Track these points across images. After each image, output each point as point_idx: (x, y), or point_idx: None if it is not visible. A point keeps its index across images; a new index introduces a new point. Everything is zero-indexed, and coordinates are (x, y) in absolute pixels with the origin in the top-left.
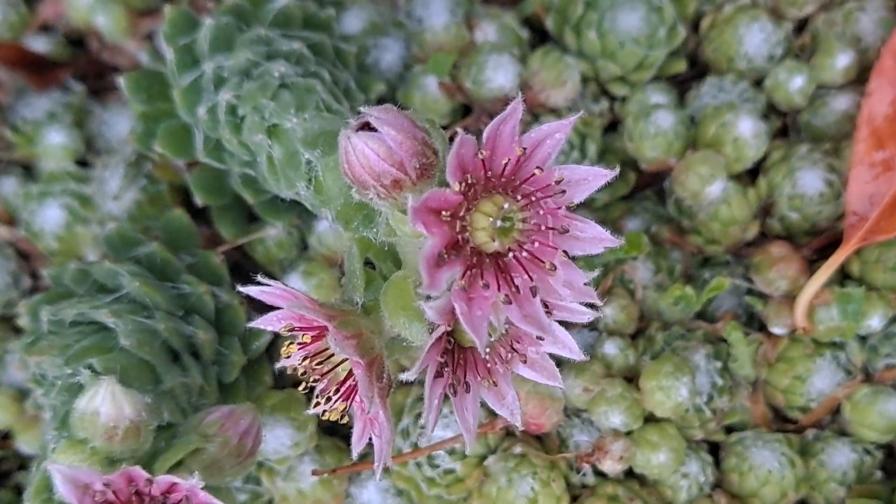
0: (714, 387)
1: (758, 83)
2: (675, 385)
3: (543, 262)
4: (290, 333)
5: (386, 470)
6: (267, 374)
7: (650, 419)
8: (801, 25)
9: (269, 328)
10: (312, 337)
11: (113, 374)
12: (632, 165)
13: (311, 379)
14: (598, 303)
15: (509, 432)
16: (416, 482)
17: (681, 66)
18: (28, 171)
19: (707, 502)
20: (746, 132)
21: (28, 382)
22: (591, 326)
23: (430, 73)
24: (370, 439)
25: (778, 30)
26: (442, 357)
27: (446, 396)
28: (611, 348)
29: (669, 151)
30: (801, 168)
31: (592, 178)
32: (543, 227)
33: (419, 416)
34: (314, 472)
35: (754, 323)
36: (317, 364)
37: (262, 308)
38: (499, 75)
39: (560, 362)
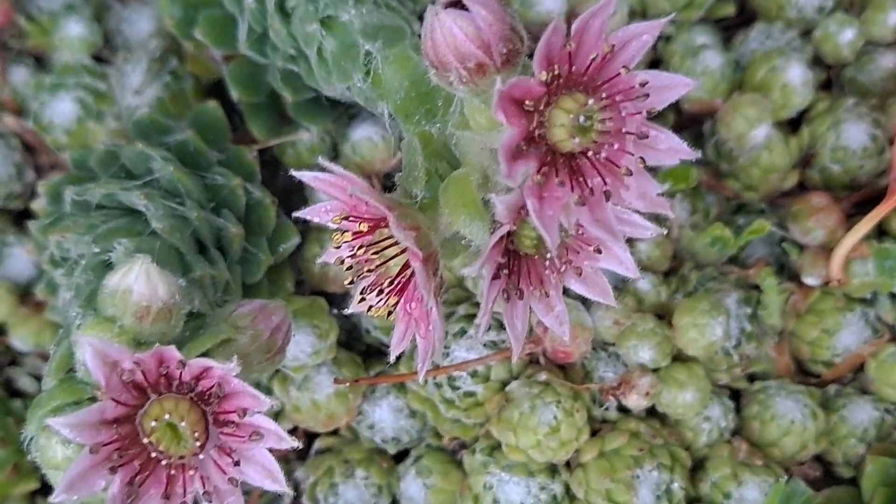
0: (743, 332)
1: (805, 34)
2: (710, 323)
3: (618, 167)
4: (336, 227)
5: (402, 389)
6: (289, 281)
7: (677, 359)
8: None
9: (316, 219)
10: (368, 227)
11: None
12: (670, 106)
13: (359, 273)
14: (670, 215)
15: (533, 360)
16: (433, 403)
17: (729, 10)
18: (40, 62)
19: (727, 448)
20: (795, 79)
21: (44, 264)
22: None
23: None
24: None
25: None
26: (503, 257)
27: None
28: (644, 283)
29: (715, 92)
30: (846, 120)
31: (675, 85)
32: (622, 131)
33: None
34: (336, 381)
35: (785, 274)
36: (370, 256)
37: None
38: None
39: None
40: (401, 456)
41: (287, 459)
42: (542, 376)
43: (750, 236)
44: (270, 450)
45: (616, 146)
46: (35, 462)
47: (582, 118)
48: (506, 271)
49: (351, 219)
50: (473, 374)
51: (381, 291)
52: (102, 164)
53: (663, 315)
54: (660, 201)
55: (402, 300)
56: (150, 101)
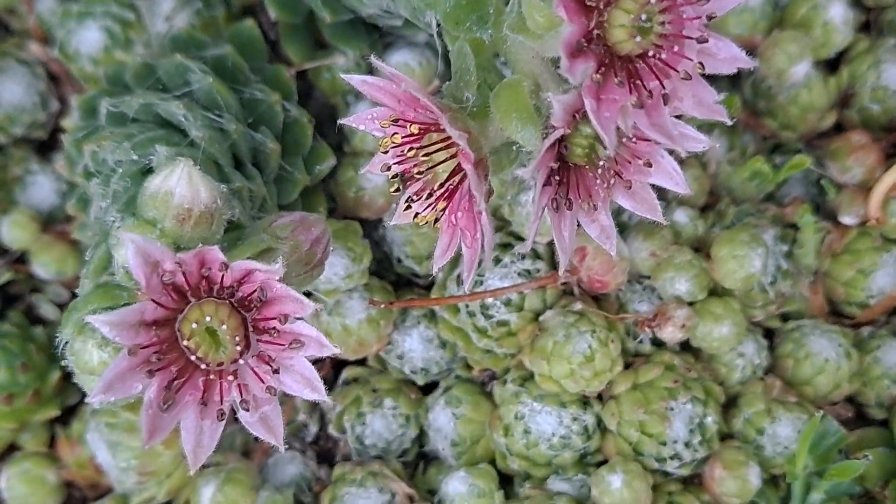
0: (779, 270)
1: None
2: (749, 255)
3: (676, 72)
4: (382, 135)
5: (433, 318)
6: (322, 205)
7: (713, 293)
8: None
9: (361, 127)
10: (419, 129)
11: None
12: None
13: (405, 182)
14: (728, 121)
15: (567, 291)
16: (464, 332)
17: None
18: None
19: (760, 385)
20: (837, 17)
21: (76, 177)
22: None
23: None
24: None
25: None
26: (554, 163)
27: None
28: (681, 216)
29: (755, 29)
30: (886, 61)
31: None
32: (681, 35)
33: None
34: (371, 302)
35: (820, 214)
36: (421, 158)
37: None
38: None
39: (625, 227)
40: (428, 389)
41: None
42: (577, 306)
43: (790, 171)
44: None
45: (675, 50)
46: (58, 388)
47: (643, 17)
48: (557, 178)
49: (400, 122)
50: (507, 303)
51: (430, 195)
52: (138, 77)
53: (700, 249)
54: (718, 108)
55: (447, 210)
56: (181, 29)
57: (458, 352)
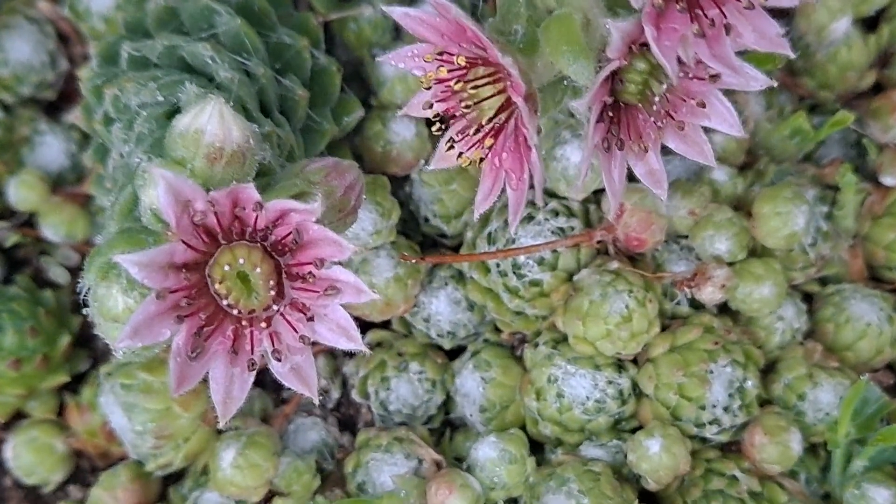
0: (819, 231)
1: None
2: (793, 212)
3: (739, 1)
4: (422, 73)
5: (461, 279)
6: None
7: (752, 254)
8: None
9: (401, 65)
10: (467, 61)
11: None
12: None
13: (447, 122)
14: (791, 54)
15: (601, 250)
16: (495, 293)
17: None
18: None
19: (800, 350)
20: None
21: (95, 125)
22: None
23: None
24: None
25: None
26: (609, 96)
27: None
28: (720, 174)
29: None
30: None
31: None
32: None
33: (507, 221)
34: (402, 257)
35: (859, 176)
36: (469, 91)
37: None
38: None
39: None
40: (453, 354)
41: (334, 355)
42: (613, 265)
43: (832, 129)
44: None
45: None
46: (68, 354)
47: None
48: (610, 115)
49: (445, 56)
50: (540, 262)
51: (477, 132)
52: (159, 21)
53: (739, 208)
54: (780, 41)
55: (491, 150)
56: None
57: (487, 315)
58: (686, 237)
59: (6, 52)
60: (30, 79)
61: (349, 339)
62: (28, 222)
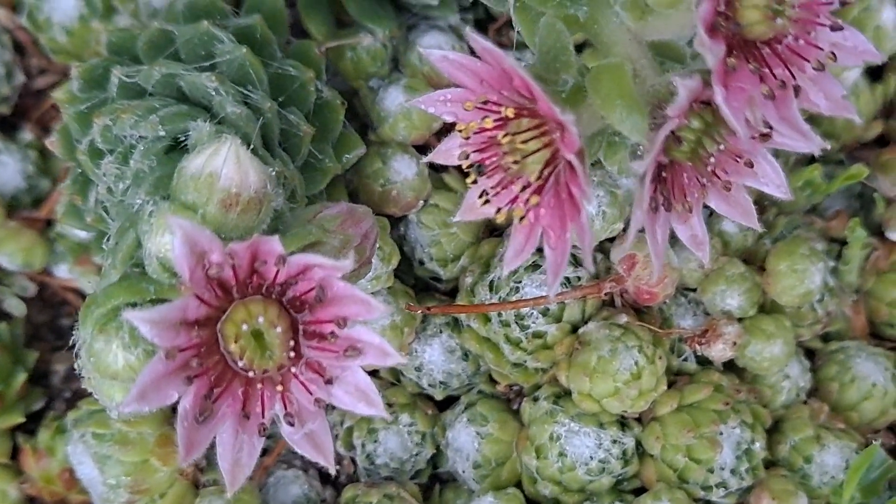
0: (826, 287)
1: None
2: (809, 269)
3: (808, 61)
4: (453, 120)
5: (456, 327)
6: (344, 197)
7: (761, 309)
8: None
9: (431, 110)
10: (514, 112)
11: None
12: None
13: (482, 172)
14: (857, 119)
15: (607, 302)
16: (494, 344)
17: None
18: None
19: (806, 409)
20: (889, 22)
21: (79, 155)
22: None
23: None
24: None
25: None
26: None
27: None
28: (730, 226)
29: None
30: None
31: None
32: (815, 21)
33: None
34: (409, 308)
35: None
36: (518, 145)
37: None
38: None
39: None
40: (442, 405)
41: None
42: (622, 319)
43: (845, 182)
44: None
45: (809, 35)
46: (22, 393)
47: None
48: (663, 174)
49: (490, 104)
50: (545, 313)
51: (524, 187)
52: (152, 46)
53: (748, 261)
54: (845, 104)
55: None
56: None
57: (482, 365)
58: (694, 290)
59: None
60: None
61: (369, 405)
62: None
